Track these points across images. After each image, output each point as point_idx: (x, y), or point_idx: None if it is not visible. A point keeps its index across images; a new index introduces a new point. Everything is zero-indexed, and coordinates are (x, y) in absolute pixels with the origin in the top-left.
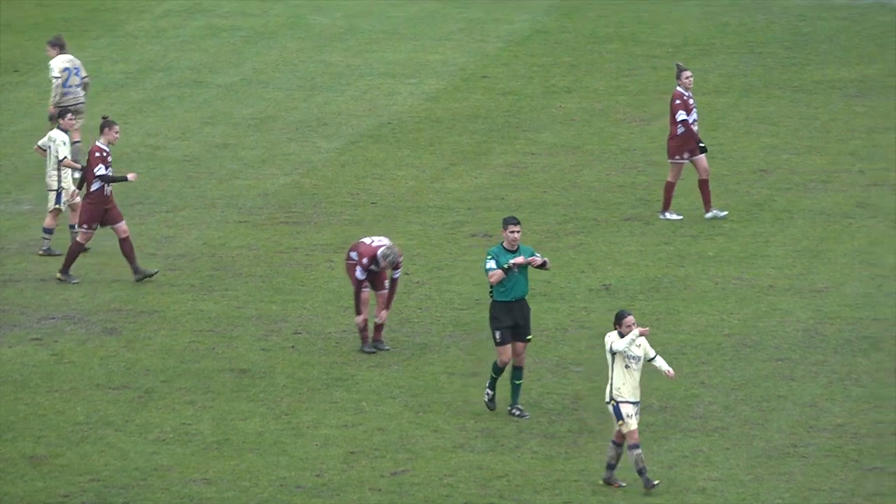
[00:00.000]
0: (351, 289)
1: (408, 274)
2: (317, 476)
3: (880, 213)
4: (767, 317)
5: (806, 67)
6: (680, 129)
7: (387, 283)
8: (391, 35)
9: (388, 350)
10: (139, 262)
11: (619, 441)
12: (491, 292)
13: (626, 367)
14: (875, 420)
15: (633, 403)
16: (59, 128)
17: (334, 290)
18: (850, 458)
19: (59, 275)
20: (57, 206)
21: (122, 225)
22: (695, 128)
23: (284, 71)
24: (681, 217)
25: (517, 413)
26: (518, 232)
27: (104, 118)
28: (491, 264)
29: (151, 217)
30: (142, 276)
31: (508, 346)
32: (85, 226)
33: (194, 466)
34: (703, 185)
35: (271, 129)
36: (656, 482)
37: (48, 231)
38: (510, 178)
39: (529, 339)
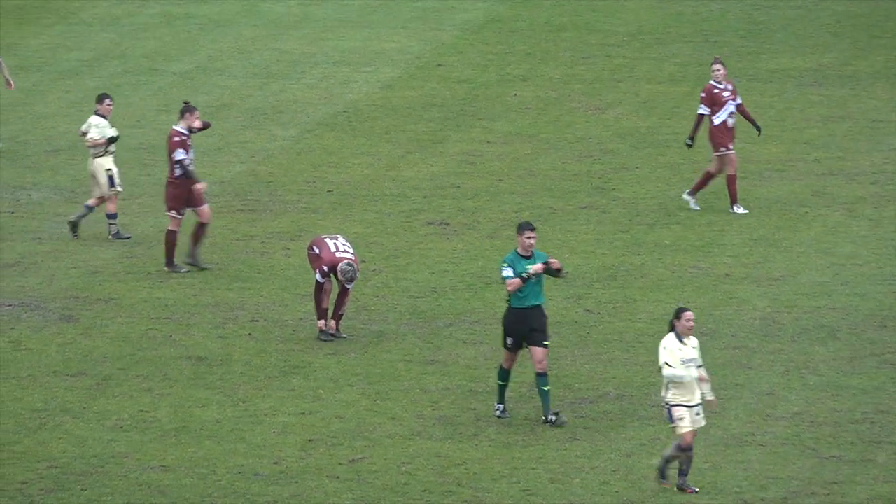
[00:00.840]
0: (310, 277)
1: (364, 262)
2: (274, 463)
3: (836, 202)
4: (724, 305)
5: (761, 56)
6: (715, 122)
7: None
8: (346, 23)
9: (344, 338)
10: (194, 252)
11: (685, 445)
12: (508, 299)
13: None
14: (832, 408)
15: (687, 406)
16: (97, 113)
17: (291, 278)
18: (807, 447)
19: (166, 268)
20: (112, 189)
21: (205, 208)
22: (729, 120)
23: (240, 59)
24: (746, 211)
25: (554, 419)
26: (534, 238)
27: (185, 103)
28: (507, 272)
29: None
30: (191, 264)
31: (515, 355)
32: (173, 211)
33: (152, 453)
34: (729, 180)
35: (227, 117)
36: (669, 483)
37: (111, 216)
38: (466, 166)
39: (546, 345)
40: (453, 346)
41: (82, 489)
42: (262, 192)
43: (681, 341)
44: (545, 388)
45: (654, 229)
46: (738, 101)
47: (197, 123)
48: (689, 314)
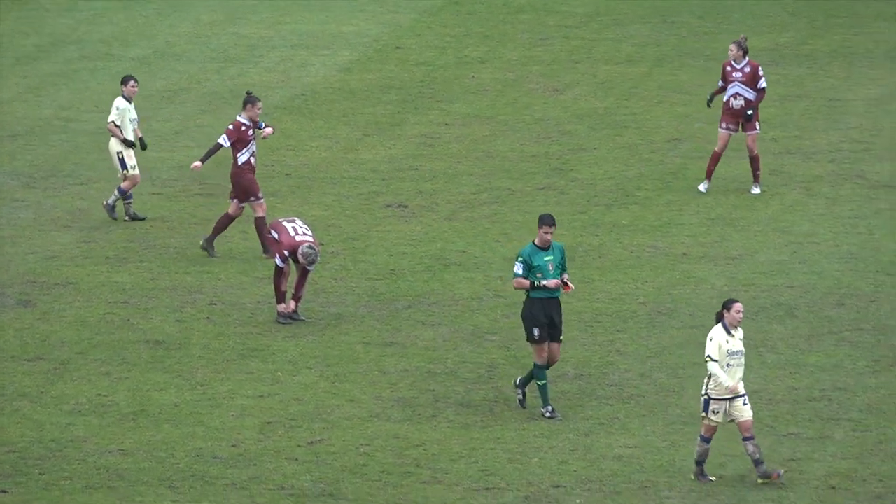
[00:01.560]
0: (269, 260)
1: (322, 244)
2: (233, 446)
3: (793, 181)
4: (682, 284)
5: (718, 36)
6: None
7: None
8: (304, 6)
9: (303, 320)
10: (210, 238)
11: (708, 436)
12: (528, 290)
13: (728, 365)
14: (790, 386)
15: (726, 400)
16: (123, 95)
17: (249, 261)
18: (765, 424)
19: (263, 255)
20: (123, 171)
21: (240, 204)
22: (733, 101)
23: (197, 43)
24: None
25: (549, 415)
26: (550, 233)
27: (248, 94)
28: (518, 269)
29: (65, 189)
30: (206, 247)
31: (546, 344)
32: (252, 198)
33: (110, 437)
34: (752, 160)
35: (184, 101)
36: (782, 471)
37: (126, 196)
38: (424, 148)
39: (562, 341)
40: (412, 328)
41: (41, 473)
42: (219, 176)
43: (728, 333)
44: (541, 383)
45: (611, 210)
46: (762, 85)
47: (258, 114)
48: (738, 305)
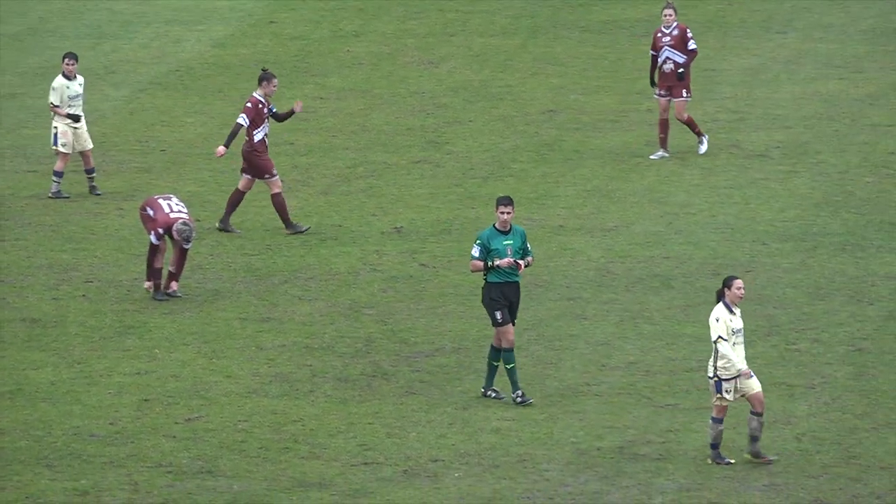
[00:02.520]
0: (145, 237)
1: (199, 221)
2: (111, 424)
3: (668, 151)
4: (558, 257)
5: (592, 8)
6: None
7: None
8: None
9: (179, 297)
10: (224, 218)
11: (720, 417)
12: (485, 274)
13: (734, 344)
14: (667, 357)
15: (735, 378)
16: (62, 73)
17: (125, 238)
18: (643, 396)
19: (286, 231)
20: (54, 147)
21: (251, 179)
22: (664, 66)
23: (71, 19)
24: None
25: (520, 399)
26: (509, 213)
27: (263, 70)
28: (475, 251)
29: None
30: (223, 228)
31: (511, 327)
32: (267, 175)
33: None
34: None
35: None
36: (773, 457)
37: (56, 174)
38: (299, 122)
39: (514, 323)
40: (289, 302)
41: None
42: (95, 152)
43: (730, 311)
44: (509, 366)
45: (487, 182)
46: (692, 46)
47: (273, 91)
48: (739, 282)
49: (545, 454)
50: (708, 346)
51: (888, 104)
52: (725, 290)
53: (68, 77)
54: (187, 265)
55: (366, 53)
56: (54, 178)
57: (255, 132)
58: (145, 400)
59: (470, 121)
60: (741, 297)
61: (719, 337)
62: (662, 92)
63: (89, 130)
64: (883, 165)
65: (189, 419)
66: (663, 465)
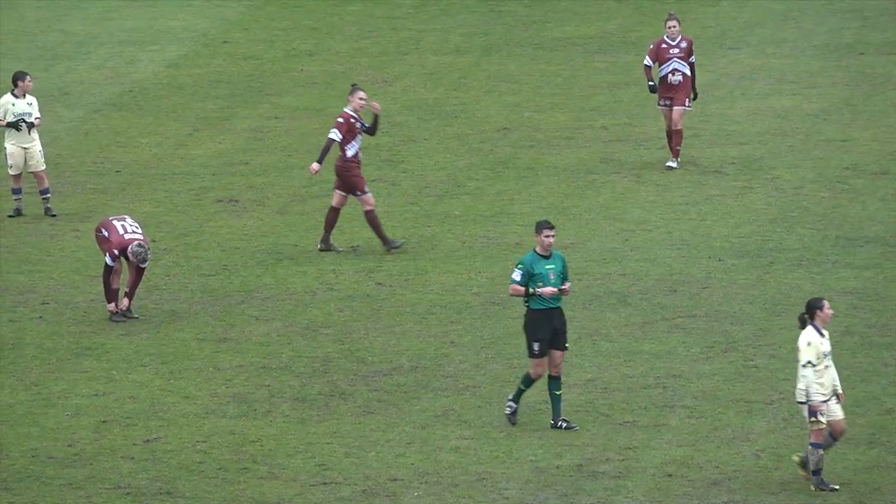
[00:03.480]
0: (101, 258)
1: (154, 241)
2: (69, 446)
3: (623, 168)
4: None
5: (546, 25)
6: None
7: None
8: (130, 2)
9: (136, 318)
10: (325, 237)
11: (821, 441)
12: (527, 301)
13: (825, 366)
14: (625, 374)
15: (826, 401)
16: (12, 92)
17: (81, 260)
18: (600, 413)
19: (385, 248)
20: (9, 166)
21: (343, 195)
22: (671, 77)
23: (24, 41)
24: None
25: (564, 426)
26: (552, 236)
27: (353, 85)
28: (516, 275)
29: None
30: (325, 248)
31: (545, 360)
32: (358, 192)
33: None
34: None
35: None
36: (836, 486)
37: (16, 192)
38: (254, 142)
39: (567, 348)
40: (246, 322)
41: None
42: (49, 174)
43: (821, 334)
44: (557, 393)
45: (443, 200)
46: (692, 59)
47: (359, 103)
48: (828, 303)
49: (504, 473)
50: (667, 363)
51: (841, 119)
52: (817, 311)
53: (16, 95)
54: (144, 286)
55: (320, 72)
56: (13, 197)
57: (347, 147)
58: (103, 421)
59: (425, 139)
60: (830, 318)
61: (808, 362)
62: (667, 102)
63: (44, 152)
64: (837, 180)
65: (147, 440)
66: (622, 483)
